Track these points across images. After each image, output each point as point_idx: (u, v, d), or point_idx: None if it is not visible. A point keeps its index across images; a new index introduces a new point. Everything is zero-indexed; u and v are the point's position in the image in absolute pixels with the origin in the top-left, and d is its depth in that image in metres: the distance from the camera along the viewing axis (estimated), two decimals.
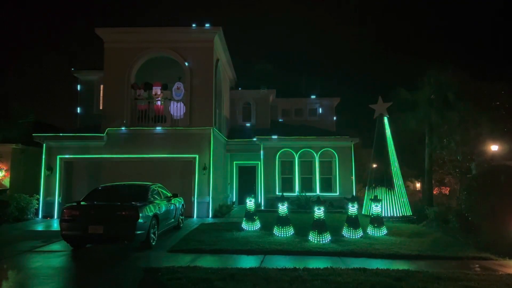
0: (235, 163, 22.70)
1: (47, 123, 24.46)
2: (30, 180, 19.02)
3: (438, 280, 6.87)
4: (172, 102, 17.36)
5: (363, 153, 27.52)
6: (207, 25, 17.25)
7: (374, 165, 16.90)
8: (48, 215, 16.31)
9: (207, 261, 8.39)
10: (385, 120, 16.95)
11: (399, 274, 7.20)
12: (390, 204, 15.60)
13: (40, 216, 16.27)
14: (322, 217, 10.70)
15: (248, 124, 23.93)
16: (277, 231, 11.37)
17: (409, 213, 15.68)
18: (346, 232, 11.31)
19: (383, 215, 13.50)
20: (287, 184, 20.67)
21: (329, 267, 7.76)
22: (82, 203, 9.79)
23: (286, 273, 7.23)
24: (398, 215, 15.42)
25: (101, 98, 19.34)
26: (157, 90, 17.25)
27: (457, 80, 21.12)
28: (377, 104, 17.14)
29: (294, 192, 20.10)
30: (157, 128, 16.99)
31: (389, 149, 16.49)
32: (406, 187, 18.53)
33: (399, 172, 16.35)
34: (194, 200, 16.36)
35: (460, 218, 12.42)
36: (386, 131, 16.77)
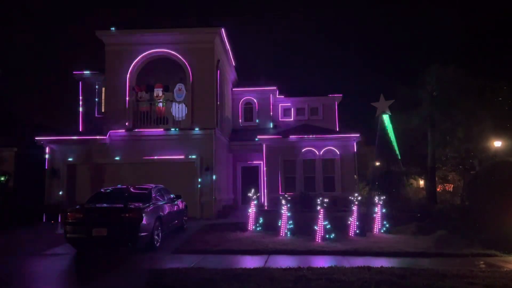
0: (238, 164, 22.70)
1: (49, 126, 24.53)
2: (33, 184, 19.06)
3: (443, 278, 6.85)
4: (173, 104, 17.37)
5: (366, 151, 27.46)
6: (207, 26, 17.27)
7: (377, 163, 16.85)
8: (52, 218, 16.34)
9: (212, 262, 8.39)
10: (385, 117, 16.76)
11: (403, 272, 7.18)
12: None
13: (44, 220, 16.30)
14: (320, 217, 10.68)
15: (250, 124, 23.92)
16: (281, 231, 11.37)
17: None
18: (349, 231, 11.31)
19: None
20: (290, 184, 20.63)
21: (333, 266, 7.75)
22: (85, 206, 9.82)
23: (291, 273, 7.22)
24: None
25: (103, 100, 19.39)
26: (158, 91, 17.27)
27: (459, 77, 21.07)
28: (379, 102, 17.08)
29: (297, 192, 20.06)
30: (159, 130, 17.00)
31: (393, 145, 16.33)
32: (409, 184, 18.48)
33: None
34: (197, 201, 16.37)
35: (464, 215, 12.39)
36: (387, 128, 16.61)
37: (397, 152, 16.35)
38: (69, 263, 8.91)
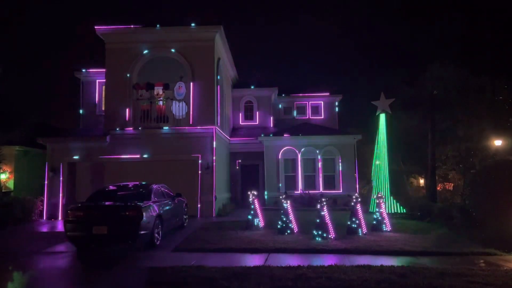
0: (238, 162, 22.71)
1: (50, 125, 24.54)
2: (33, 181, 19.08)
3: (443, 276, 6.85)
4: (174, 102, 17.36)
5: (367, 149, 27.43)
6: (207, 24, 17.25)
7: (377, 162, 16.84)
8: (52, 216, 16.37)
9: (212, 260, 8.39)
10: (382, 117, 16.71)
11: (403, 271, 7.18)
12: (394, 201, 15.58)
13: (44, 218, 16.32)
14: (325, 215, 10.69)
15: (250, 123, 23.94)
16: (281, 230, 11.38)
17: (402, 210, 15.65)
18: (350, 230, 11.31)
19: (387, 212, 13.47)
20: (290, 182, 20.66)
21: (333, 264, 7.75)
22: (86, 204, 9.82)
23: (291, 271, 7.22)
24: (403, 212, 15.40)
25: (103, 98, 19.37)
26: (159, 90, 17.24)
27: (460, 76, 21.04)
28: (380, 100, 17.06)
29: (298, 190, 20.08)
30: (159, 128, 16.99)
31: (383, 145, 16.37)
32: (410, 183, 18.51)
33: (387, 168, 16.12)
34: (197, 200, 16.37)
35: (464, 213, 12.39)
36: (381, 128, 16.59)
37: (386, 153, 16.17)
38: (69, 261, 8.91)
